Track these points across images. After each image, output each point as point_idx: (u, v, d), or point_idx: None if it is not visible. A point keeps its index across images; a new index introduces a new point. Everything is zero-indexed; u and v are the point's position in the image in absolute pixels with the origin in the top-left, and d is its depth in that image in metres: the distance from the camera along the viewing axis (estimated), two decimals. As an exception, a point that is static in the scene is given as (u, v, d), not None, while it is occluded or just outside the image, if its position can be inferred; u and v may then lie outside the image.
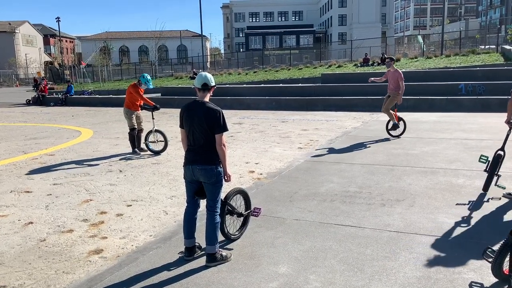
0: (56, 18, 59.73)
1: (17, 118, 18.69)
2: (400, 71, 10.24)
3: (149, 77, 9.36)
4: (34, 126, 15.43)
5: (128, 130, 9.56)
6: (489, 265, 3.38)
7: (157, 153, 9.37)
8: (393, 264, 3.84)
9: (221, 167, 3.94)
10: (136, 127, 9.47)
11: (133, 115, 9.44)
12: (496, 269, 3.32)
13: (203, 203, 4.13)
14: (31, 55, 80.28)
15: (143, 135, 9.62)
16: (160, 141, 9.45)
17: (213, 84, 4.01)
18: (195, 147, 3.92)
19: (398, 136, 10.24)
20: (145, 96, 9.58)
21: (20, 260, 4.21)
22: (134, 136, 9.47)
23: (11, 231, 4.98)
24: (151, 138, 9.47)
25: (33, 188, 6.84)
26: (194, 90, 4.05)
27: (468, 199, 5.58)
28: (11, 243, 4.63)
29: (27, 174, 7.82)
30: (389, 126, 10.38)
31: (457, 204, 5.39)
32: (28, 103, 27.47)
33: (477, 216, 4.96)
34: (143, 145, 9.57)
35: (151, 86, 9.36)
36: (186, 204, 4.14)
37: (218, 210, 4.01)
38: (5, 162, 8.96)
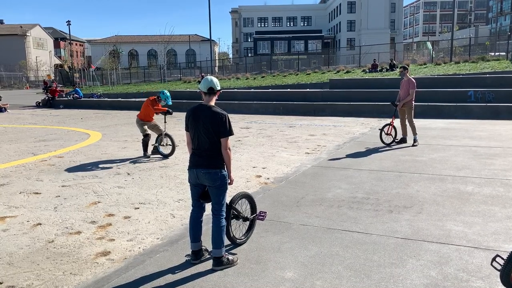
0: (66, 22, 60.64)
1: (27, 120, 18.88)
2: (413, 80, 10.17)
3: (168, 94, 9.52)
4: (43, 128, 15.58)
5: (142, 137, 9.68)
6: (498, 273, 3.35)
7: (165, 156, 9.42)
8: (400, 271, 3.82)
9: (225, 171, 3.94)
10: (148, 133, 9.56)
11: (145, 125, 9.54)
12: (505, 278, 3.29)
13: (208, 206, 4.14)
14: (41, 58, 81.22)
15: (153, 138, 9.69)
16: (168, 144, 9.51)
17: (218, 88, 4.02)
18: (199, 151, 3.93)
19: (389, 145, 10.12)
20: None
21: (29, 260, 4.25)
22: (147, 143, 9.57)
23: (20, 232, 5.03)
24: (160, 141, 9.52)
25: (42, 189, 6.90)
26: (199, 94, 4.07)
27: (476, 206, 5.53)
28: (20, 244, 4.67)
29: (36, 175, 7.89)
30: (386, 131, 10.21)
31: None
32: (38, 105, 27.78)
33: (485, 223, 4.92)
34: (149, 151, 9.64)
35: (170, 102, 9.49)
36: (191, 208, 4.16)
37: (224, 214, 4.01)
38: (15, 163, 9.06)
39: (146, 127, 9.55)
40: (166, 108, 9.56)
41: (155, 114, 9.63)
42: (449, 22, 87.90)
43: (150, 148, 9.66)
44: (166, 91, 9.58)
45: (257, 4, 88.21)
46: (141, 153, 9.65)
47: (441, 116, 15.61)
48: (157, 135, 9.69)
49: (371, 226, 4.93)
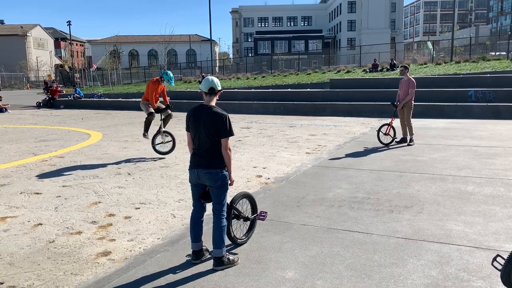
0: (67, 22, 60.71)
1: (28, 120, 18.89)
2: (413, 79, 10.17)
3: (171, 75, 9.41)
4: (44, 128, 15.59)
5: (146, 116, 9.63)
6: (499, 273, 3.35)
7: (165, 154, 9.39)
8: (401, 271, 3.82)
9: (226, 171, 3.95)
10: (152, 111, 9.43)
11: (150, 106, 9.44)
12: (506, 277, 3.28)
13: (209, 206, 4.14)
14: (42, 58, 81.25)
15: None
16: (168, 141, 9.50)
17: (219, 88, 4.02)
18: (200, 151, 3.94)
19: (387, 145, 10.12)
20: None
21: (29, 261, 4.25)
22: (151, 122, 9.57)
23: (20, 232, 5.03)
24: (158, 140, 9.50)
25: (43, 189, 6.90)
26: (200, 94, 4.07)
27: (477, 206, 5.53)
28: (20, 244, 4.68)
29: (37, 175, 7.90)
30: (384, 132, 10.21)
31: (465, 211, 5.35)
32: (39, 105, 27.79)
33: (486, 223, 4.92)
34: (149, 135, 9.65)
35: (173, 84, 9.43)
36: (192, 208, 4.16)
37: (225, 214, 4.01)
38: (16, 163, 9.06)
39: (150, 107, 9.42)
40: (155, 106, 9.44)
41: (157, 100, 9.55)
42: (450, 22, 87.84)
43: (151, 137, 9.60)
44: (169, 72, 9.47)
45: (257, 4, 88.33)
46: (142, 153, 9.66)
47: (441, 115, 15.60)
48: (156, 132, 9.64)
49: (372, 226, 4.93)
